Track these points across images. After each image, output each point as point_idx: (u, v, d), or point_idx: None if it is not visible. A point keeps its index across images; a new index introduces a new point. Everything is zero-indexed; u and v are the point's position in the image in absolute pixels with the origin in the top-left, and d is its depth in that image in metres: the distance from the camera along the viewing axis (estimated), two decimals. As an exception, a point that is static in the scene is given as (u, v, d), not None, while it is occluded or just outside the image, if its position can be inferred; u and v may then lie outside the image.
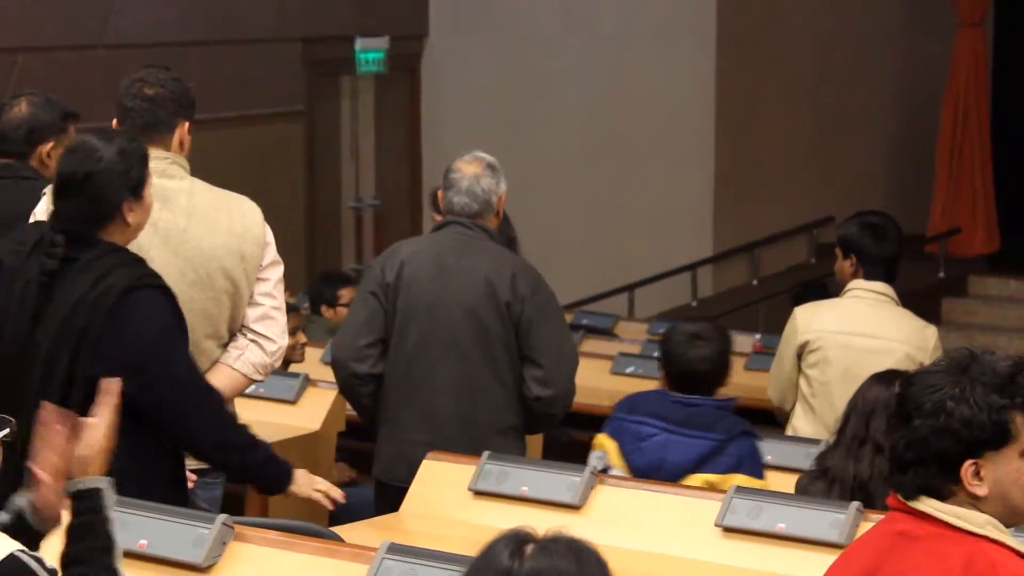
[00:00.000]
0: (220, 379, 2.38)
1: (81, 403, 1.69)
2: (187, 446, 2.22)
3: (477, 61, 7.78)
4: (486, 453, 2.52)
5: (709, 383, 2.78)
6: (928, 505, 1.30)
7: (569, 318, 4.75)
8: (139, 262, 2.10)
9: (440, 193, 3.00)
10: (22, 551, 1.35)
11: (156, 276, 2.06)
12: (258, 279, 2.45)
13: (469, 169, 2.90)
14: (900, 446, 1.34)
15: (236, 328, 2.43)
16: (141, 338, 2.04)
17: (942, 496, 1.31)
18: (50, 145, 2.78)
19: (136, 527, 1.92)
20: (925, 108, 8.69)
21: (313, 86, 7.33)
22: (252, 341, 2.43)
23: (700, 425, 2.69)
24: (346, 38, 6.97)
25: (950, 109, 8.52)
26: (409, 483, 2.62)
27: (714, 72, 7.64)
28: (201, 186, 2.46)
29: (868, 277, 3.03)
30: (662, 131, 7.68)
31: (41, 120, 2.83)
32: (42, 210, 2.48)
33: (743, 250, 7.84)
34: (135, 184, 2.04)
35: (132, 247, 2.15)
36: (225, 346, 2.41)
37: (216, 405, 2.21)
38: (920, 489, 1.31)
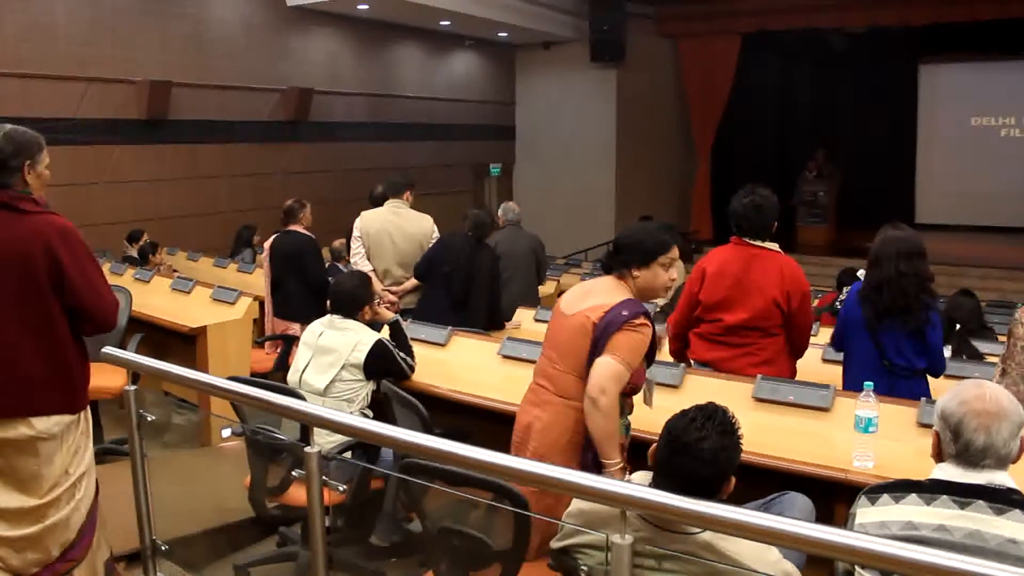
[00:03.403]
0: None
1: None
2: None
3: (531, 172, 17.25)
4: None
5: None
6: (765, 244, 4.01)
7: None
8: None
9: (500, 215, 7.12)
10: (383, 339, 3.84)
11: None
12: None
13: (511, 205, 7.14)
14: (749, 218, 4.01)
15: None
16: None
17: (765, 239, 4.03)
18: None
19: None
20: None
21: (476, 179, 16.83)
22: None
23: None
24: (486, 164, 16.97)
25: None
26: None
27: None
28: None
29: None
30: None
31: None
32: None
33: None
34: None
35: None
36: None
37: None
38: (759, 236, 4.01)
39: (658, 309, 6.53)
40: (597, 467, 2.92)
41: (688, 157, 17.18)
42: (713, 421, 2.23)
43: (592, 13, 15.51)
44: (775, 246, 4.14)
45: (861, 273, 4.18)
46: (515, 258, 6.75)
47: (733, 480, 2.24)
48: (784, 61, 18.22)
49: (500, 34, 15.63)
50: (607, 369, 2.87)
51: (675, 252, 3.09)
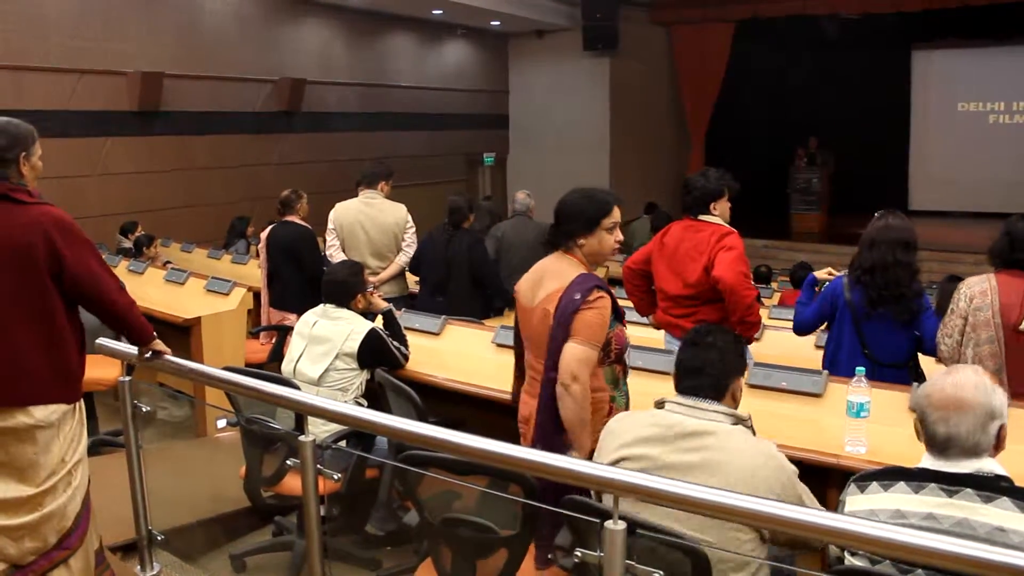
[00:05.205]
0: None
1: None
2: None
3: (525, 161, 17.35)
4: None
5: None
6: (703, 217, 4.27)
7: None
8: None
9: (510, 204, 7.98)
10: (377, 328, 3.95)
11: None
12: None
13: (520, 195, 7.08)
14: (694, 194, 4.29)
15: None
16: None
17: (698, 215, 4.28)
18: None
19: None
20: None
21: (470, 168, 16.83)
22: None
23: None
24: (480, 152, 16.94)
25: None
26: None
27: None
28: None
29: None
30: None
31: None
32: None
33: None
34: None
35: None
36: None
37: None
38: (691, 212, 4.30)
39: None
40: None
41: (682, 144, 17.16)
42: (715, 327, 2.65)
43: (585, 1, 15.45)
44: (716, 219, 4.31)
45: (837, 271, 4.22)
46: (519, 248, 6.67)
47: (740, 382, 2.56)
48: (778, 48, 18.16)
49: (493, 23, 15.58)
50: (574, 354, 2.88)
51: (618, 214, 3.09)
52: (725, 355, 2.53)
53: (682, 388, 2.52)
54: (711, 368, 2.49)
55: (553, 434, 2.94)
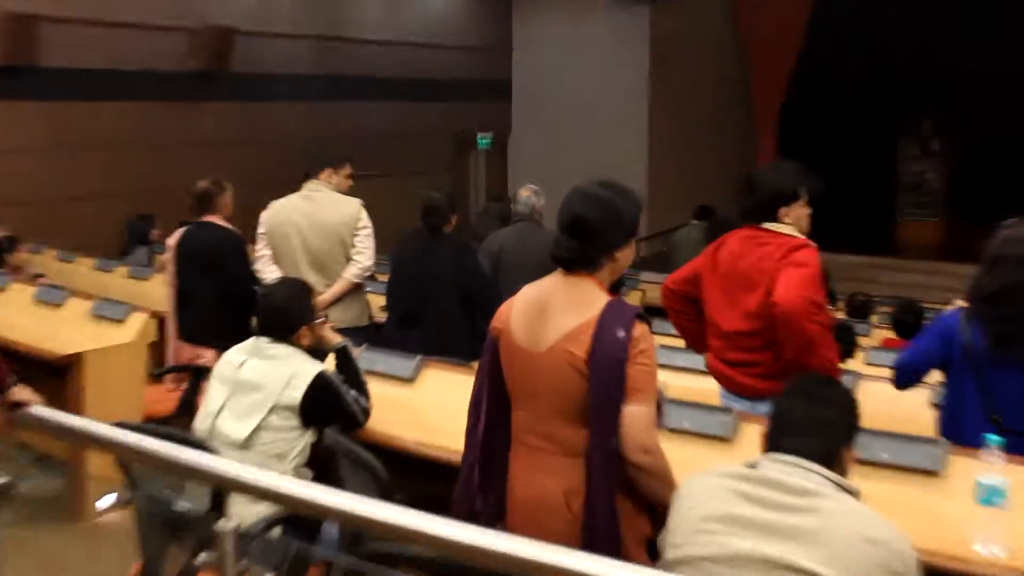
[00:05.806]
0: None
1: None
2: None
3: (532, 144, 17.34)
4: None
5: None
6: (769, 225, 4.25)
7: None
8: None
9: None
10: (326, 370, 3.97)
11: None
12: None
13: (524, 193, 6.86)
14: (759, 195, 4.33)
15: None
16: None
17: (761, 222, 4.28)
18: None
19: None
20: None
21: (459, 153, 16.78)
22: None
23: None
24: (473, 133, 16.86)
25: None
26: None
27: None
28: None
29: None
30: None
31: None
32: None
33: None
34: None
35: None
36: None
37: None
38: (765, 219, 4.26)
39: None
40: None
41: (746, 125, 17.17)
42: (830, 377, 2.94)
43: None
44: (788, 228, 4.26)
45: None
46: (525, 267, 6.49)
47: (853, 453, 2.66)
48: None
49: (492, -43, 15.67)
50: (640, 421, 2.89)
51: None
52: (843, 415, 2.64)
53: (781, 446, 2.56)
54: (824, 428, 2.57)
55: (613, 524, 2.91)
